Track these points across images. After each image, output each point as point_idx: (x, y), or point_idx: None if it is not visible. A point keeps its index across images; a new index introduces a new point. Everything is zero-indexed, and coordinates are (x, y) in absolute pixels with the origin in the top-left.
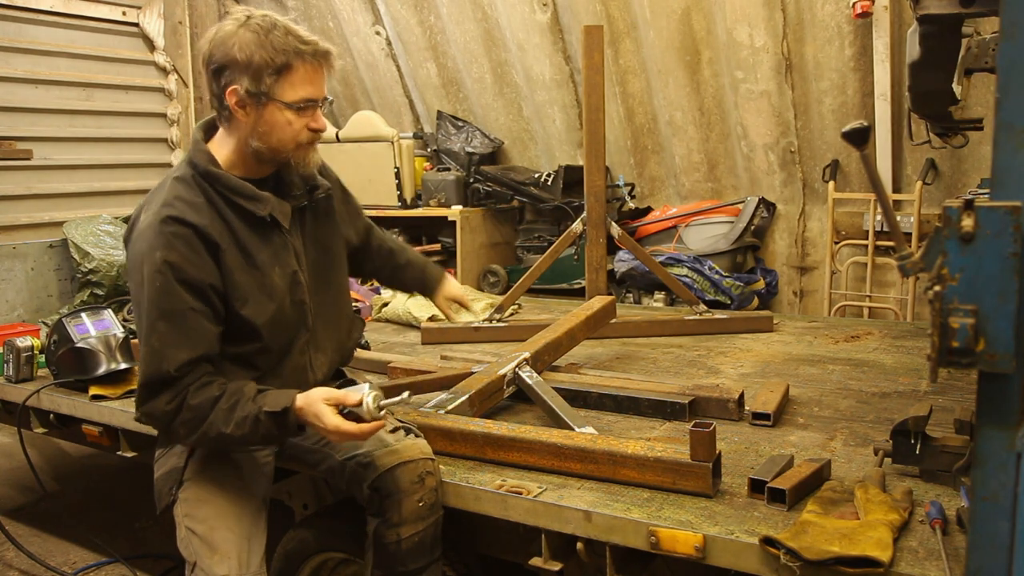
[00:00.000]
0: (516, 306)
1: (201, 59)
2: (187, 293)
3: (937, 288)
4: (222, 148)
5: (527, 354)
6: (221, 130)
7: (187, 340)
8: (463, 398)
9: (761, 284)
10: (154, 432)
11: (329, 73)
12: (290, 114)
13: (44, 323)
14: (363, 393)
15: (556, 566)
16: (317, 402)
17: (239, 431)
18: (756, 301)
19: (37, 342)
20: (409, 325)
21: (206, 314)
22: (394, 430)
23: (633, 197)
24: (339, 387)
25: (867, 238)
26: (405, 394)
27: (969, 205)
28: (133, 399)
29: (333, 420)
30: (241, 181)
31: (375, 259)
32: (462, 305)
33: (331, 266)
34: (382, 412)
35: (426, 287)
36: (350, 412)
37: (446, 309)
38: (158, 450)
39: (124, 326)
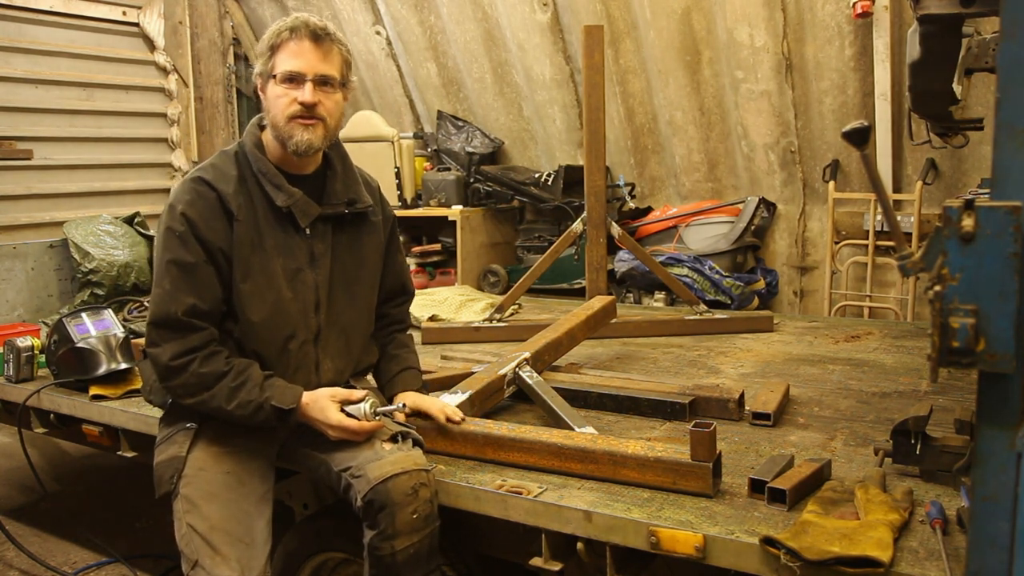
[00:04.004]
0: (516, 306)
1: None
2: (200, 248)
3: (937, 288)
4: (267, 136)
5: (527, 354)
6: None
7: (195, 289)
8: (463, 398)
9: (761, 284)
10: (154, 432)
11: (328, 53)
12: (280, 88)
13: (44, 323)
14: (363, 395)
15: (556, 566)
16: (324, 398)
17: (240, 411)
18: (756, 301)
19: (37, 342)
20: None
21: (214, 273)
22: (392, 439)
23: (633, 197)
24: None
25: (867, 238)
26: (401, 404)
27: (969, 205)
28: (133, 399)
29: (337, 416)
30: (274, 168)
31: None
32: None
33: (359, 281)
34: (377, 418)
35: (390, 387)
36: (348, 414)
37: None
38: (160, 434)
39: (124, 326)
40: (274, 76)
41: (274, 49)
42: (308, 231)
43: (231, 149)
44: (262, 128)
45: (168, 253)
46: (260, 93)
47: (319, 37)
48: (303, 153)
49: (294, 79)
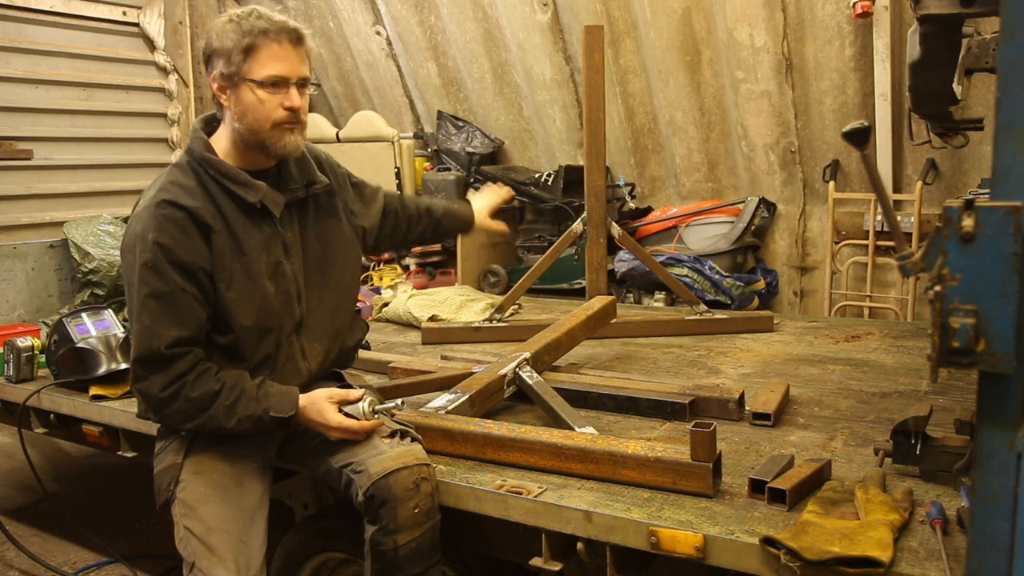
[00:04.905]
0: (516, 306)
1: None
2: (177, 275)
3: (937, 288)
4: (221, 140)
5: (527, 354)
6: (221, 123)
7: (177, 319)
8: (463, 398)
9: (761, 284)
10: (154, 432)
11: (305, 54)
12: (261, 92)
13: (44, 323)
14: (360, 394)
15: (556, 566)
16: (321, 400)
17: (240, 427)
18: (756, 301)
19: (37, 342)
20: (409, 325)
21: (196, 296)
22: (391, 435)
23: (633, 197)
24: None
25: (867, 238)
26: (399, 401)
27: (969, 205)
28: (133, 399)
29: (336, 417)
30: (234, 168)
31: (416, 223)
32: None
33: (330, 262)
34: (376, 416)
35: (464, 225)
36: (347, 415)
37: (494, 227)
38: (158, 444)
39: (124, 326)
40: (252, 80)
41: (249, 51)
42: (279, 223)
43: (182, 161)
44: (208, 132)
45: (145, 287)
46: (220, 94)
47: (300, 40)
48: (290, 155)
49: (278, 84)
